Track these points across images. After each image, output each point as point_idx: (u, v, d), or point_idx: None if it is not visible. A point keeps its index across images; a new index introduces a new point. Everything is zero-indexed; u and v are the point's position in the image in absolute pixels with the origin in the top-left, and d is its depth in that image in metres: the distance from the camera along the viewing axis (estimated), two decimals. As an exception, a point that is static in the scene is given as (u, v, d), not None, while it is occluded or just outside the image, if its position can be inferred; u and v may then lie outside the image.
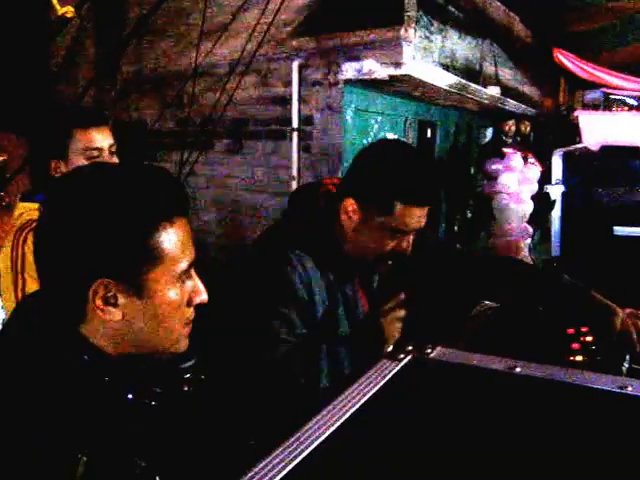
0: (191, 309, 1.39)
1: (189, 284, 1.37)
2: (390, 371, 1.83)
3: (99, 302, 1.26)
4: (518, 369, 1.82)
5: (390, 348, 2.14)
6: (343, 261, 2.26)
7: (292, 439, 1.47)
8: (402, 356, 1.92)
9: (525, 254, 8.07)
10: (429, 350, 1.97)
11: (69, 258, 1.27)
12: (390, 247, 2.17)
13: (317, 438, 1.47)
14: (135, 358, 1.36)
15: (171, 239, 1.30)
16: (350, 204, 2.15)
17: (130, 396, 1.31)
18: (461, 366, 1.89)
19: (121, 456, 1.24)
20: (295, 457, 1.39)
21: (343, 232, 2.21)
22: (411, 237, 2.18)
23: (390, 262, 2.26)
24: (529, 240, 8.26)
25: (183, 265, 1.33)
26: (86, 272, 1.26)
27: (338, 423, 1.54)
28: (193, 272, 1.39)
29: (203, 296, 1.40)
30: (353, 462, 1.44)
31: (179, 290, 1.34)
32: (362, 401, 1.66)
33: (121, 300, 1.28)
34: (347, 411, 1.60)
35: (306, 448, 1.43)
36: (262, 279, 2.20)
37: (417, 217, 2.12)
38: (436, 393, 1.76)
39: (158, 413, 1.36)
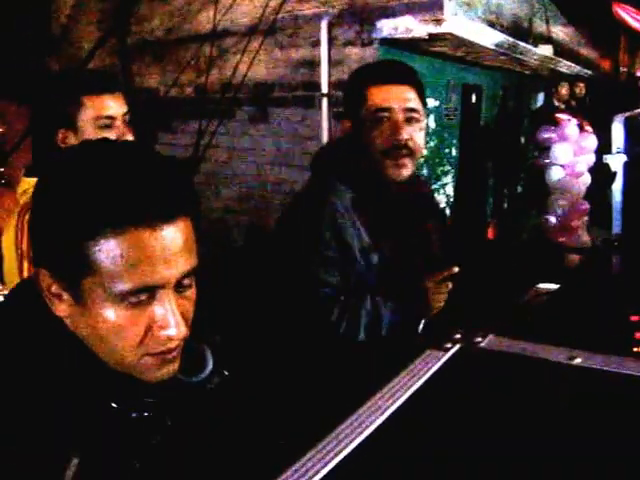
0: (155, 339, 1.24)
1: (153, 310, 1.23)
2: (436, 362, 1.84)
3: (46, 292, 1.25)
4: (578, 360, 1.82)
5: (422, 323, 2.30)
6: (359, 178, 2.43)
7: (332, 435, 1.49)
8: (449, 345, 1.93)
9: (581, 233, 8.01)
10: (479, 339, 1.97)
11: (33, 241, 1.30)
12: (385, 135, 2.34)
13: (359, 434, 1.49)
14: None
15: (110, 252, 1.17)
16: (344, 122, 2.48)
17: (114, 405, 1.28)
18: (515, 357, 1.88)
19: (115, 459, 1.24)
20: (337, 454, 1.42)
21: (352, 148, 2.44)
22: (403, 125, 2.34)
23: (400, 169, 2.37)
24: (586, 217, 8.17)
25: (125, 286, 1.18)
26: (36, 258, 1.28)
27: (380, 420, 1.56)
28: (165, 299, 1.23)
29: (169, 331, 1.23)
30: (398, 459, 1.46)
31: (122, 312, 1.21)
32: (406, 395, 1.66)
33: (64, 297, 1.24)
34: (389, 408, 1.61)
35: (348, 445, 1.46)
36: (301, 223, 2.41)
37: (393, 94, 2.36)
38: (488, 387, 1.75)
39: (156, 423, 1.36)
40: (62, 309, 1.25)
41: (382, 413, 1.59)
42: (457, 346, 1.93)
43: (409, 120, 2.34)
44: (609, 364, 1.80)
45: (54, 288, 1.24)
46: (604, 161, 7.75)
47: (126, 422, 1.29)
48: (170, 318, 1.23)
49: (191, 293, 1.30)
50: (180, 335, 1.24)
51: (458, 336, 1.97)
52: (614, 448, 1.48)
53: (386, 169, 2.34)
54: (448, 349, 1.91)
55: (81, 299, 1.21)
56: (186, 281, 1.27)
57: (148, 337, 1.24)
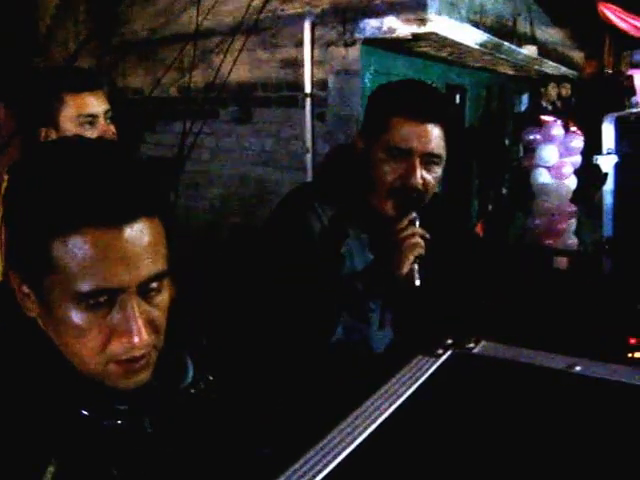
0: (118, 346, 1.19)
1: (115, 316, 1.18)
2: (427, 369, 1.78)
3: (18, 292, 1.23)
4: (578, 367, 1.76)
5: (416, 269, 2.10)
6: (369, 215, 2.27)
7: (320, 445, 1.44)
8: (441, 352, 1.87)
9: (568, 236, 7.97)
10: (472, 345, 1.91)
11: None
12: (396, 175, 2.16)
13: (348, 444, 1.44)
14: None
15: (69, 251, 1.14)
16: (357, 140, 2.28)
17: (84, 412, 1.23)
18: (511, 363, 1.82)
19: (92, 467, 1.19)
20: (325, 465, 1.37)
21: (361, 175, 2.26)
22: (419, 170, 2.15)
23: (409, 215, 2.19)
24: (573, 220, 8.13)
25: (83, 287, 1.14)
26: (7, 257, 1.27)
27: (369, 429, 1.51)
28: (127, 304, 1.18)
29: (131, 339, 1.18)
30: (389, 470, 1.40)
31: (82, 314, 1.17)
32: (397, 404, 1.61)
33: (32, 297, 1.22)
34: (378, 417, 1.56)
35: (337, 455, 1.40)
36: (282, 226, 2.28)
37: (416, 134, 2.14)
38: (482, 394, 1.70)
39: (134, 431, 1.30)
40: (33, 309, 1.22)
41: (371, 422, 1.54)
42: (449, 352, 1.87)
43: (427, 164, 2.17)
44: (611, 372, 1.74)
45: (24, 288, 1.21)
46: (594, 162, 7.72)
47: (99, 430, 1.23)
48: (132, 325, 1.18)
49: (161, 299, 1.24)
50: (143, 343, 1.19)
51: (450, 342, 1.91)
52: (613, 456, 1.44)
53: (386, 209, 2.19)
54: (440, 355, 1.85)
55: (44, 299, 1.19)
56: (153, 286, 1.21)
57: (112, 343, 1.19)
